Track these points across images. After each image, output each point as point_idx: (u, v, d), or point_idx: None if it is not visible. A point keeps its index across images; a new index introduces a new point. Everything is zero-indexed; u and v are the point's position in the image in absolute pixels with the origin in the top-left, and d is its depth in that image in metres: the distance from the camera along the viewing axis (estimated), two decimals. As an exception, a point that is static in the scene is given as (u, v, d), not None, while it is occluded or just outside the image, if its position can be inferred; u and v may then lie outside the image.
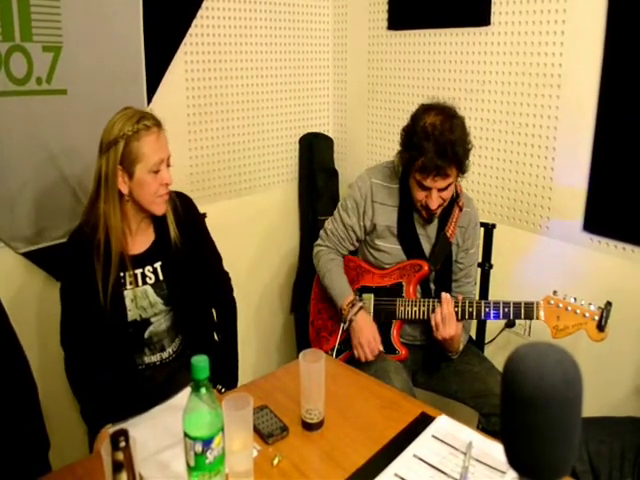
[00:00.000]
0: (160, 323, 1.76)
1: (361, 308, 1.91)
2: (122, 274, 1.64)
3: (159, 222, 1.70)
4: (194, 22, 2.27)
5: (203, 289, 1.83)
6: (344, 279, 2.00)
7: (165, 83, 2.22)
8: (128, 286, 1.66)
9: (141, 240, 1.69)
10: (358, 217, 1.99)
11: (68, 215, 2.01)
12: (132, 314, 1.68)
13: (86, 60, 1.95)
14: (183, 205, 1.76)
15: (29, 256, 1.97)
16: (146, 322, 1.73)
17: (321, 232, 2.13)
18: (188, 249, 1.73)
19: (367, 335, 1.87)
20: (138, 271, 1.68)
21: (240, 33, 2.47)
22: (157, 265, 1.71)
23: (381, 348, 1.88)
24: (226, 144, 2.53)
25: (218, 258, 1.91)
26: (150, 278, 1.70)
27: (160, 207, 1.63)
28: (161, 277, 1.71)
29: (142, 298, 1.69)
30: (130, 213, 1.63)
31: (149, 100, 2.17)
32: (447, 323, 1.77)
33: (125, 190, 1.57)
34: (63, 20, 1.87)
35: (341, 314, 1.95)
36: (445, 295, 1.80)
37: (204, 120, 2.42)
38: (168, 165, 1.62)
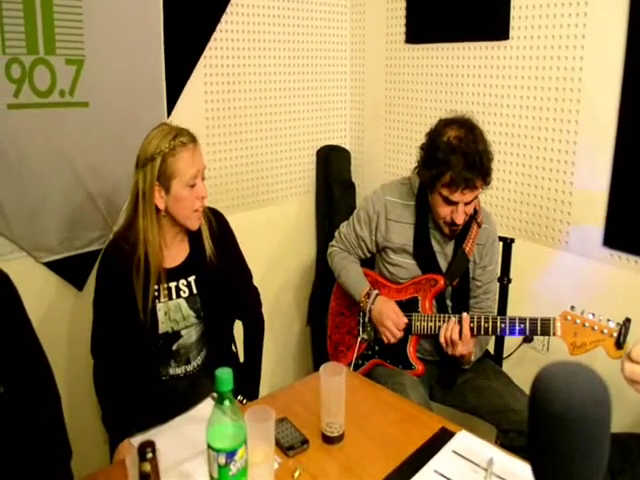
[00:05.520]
0: (190, 335, 1.77)
1: (377, 295, 1.94)
2: (157, 287, 1.66)
3: (194, 236, 1.72)
4: (213, 36, 2.30)
5: (234, 304, 1.85)
6: (357, 272, 2.04)
7: (184, 96, 2.25)
8: (162, 299, 1.68)
9: (176, 253, 1.71)
10: (370, 231, 2.00)
11: (89, 225, 2.04)
12: (164, 327, 1.70)
13: (108, 73, 1.98)
14: (217, 221, 1.78)
15: (51, 266, 1.99)
16: (176, 335, 1.74)
17: (336, 233, 2.16)
18: (222, 264, 1.75)
19: (387, 314, 1.88)
20: (172, 284, 1.70)
21: (258, 47, 2.49)
22: (191, 279, 1.73)
23: (405, 320, 1.87)
24: (244, 156, 2.55)
25: (249, 274, 1.93)
26: (184, 291, 1.71)
27: (195, 222, 1.65)
28: (195, 291, 1.73)
29: (175, 311, 1.70)
30: (166, 227, 1.65)
31: (169, 113, 2.20)
32: (455, 345, 1.78)
33: (162, 205, 1.59)
34: (85, 34, 1.90)
35: (359, 307, 1.99)
36: (449, 324, 1.79)
37: (222, 132, 2.44)
38: (203, 178, 1.64)
